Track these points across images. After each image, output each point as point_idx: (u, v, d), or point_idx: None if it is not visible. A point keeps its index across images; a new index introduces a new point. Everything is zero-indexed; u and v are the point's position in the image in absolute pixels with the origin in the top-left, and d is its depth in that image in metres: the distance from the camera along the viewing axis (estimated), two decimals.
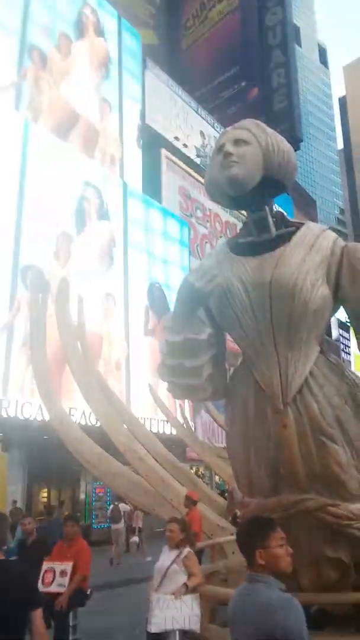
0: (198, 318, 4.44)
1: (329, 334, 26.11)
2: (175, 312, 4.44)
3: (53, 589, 5.62)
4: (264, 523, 2.49)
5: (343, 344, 48.39)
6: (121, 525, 15.99)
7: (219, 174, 4.26)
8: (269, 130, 4.36)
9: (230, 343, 4.61)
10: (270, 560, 2.20)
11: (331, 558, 4.16)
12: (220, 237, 31.03)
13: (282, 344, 4.11)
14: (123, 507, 16.46)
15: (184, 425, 9.54)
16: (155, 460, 7.46)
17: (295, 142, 43.08)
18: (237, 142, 4.17)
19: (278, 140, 4.28)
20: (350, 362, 46.29)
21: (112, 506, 16.97)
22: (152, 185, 28.41)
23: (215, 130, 33.97)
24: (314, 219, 49.62)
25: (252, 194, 4.28)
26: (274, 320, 4.09)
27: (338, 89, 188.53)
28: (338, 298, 4.21)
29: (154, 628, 3.93)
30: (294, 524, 4.18)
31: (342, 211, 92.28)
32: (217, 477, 15.42)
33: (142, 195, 26.95)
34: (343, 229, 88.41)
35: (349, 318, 4.34)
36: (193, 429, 19.26)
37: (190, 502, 6.77)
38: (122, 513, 16.27)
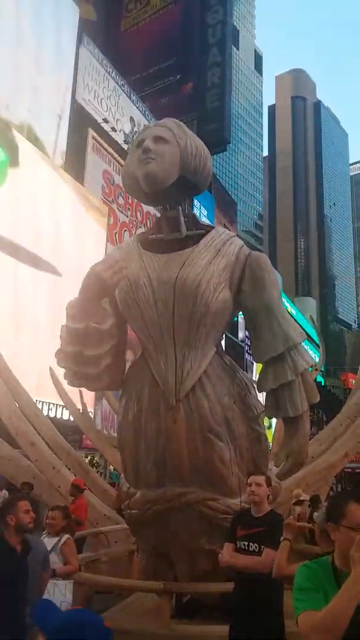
0: (102, 308, 4.45)
1: (235, 334, 26.93)
2: (79, 299, 4.42)
3: None
4: None
5: (247, 345, 50.17)
6: None
7: (137, 168, 4.27)
8: (190, 132, 4.44)
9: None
10: None
11: (206, 550, 4.36)
12: (140, 227, 30.85)
13: (180, 342, 4.22)
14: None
15: (81, 412, 9.44)
16: (49, 446, 7.34)
17: (223, 143, 43.68)
18: (157, 139, 4.20)
19: (197, 144, 4.37)
20: (253, 363, 48.03)
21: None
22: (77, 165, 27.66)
23: (146, 118, 33.52)
24: (233, 220, 50.78)
25: (167, 192, 4.34)
26: (176, 318, 4.18)
27: (268, 98, 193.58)
28: (239, 302, 4.40)
29: None
30: (174, 515, 4.33)
31: (260, 216, 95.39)
32: (111, 467, 15.39)
33: None
34: (260, 233, 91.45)
35: (245, 322, 4.54)
36: (92, 416, 19.07)
37: (77, 490, 6.74)
38: None
